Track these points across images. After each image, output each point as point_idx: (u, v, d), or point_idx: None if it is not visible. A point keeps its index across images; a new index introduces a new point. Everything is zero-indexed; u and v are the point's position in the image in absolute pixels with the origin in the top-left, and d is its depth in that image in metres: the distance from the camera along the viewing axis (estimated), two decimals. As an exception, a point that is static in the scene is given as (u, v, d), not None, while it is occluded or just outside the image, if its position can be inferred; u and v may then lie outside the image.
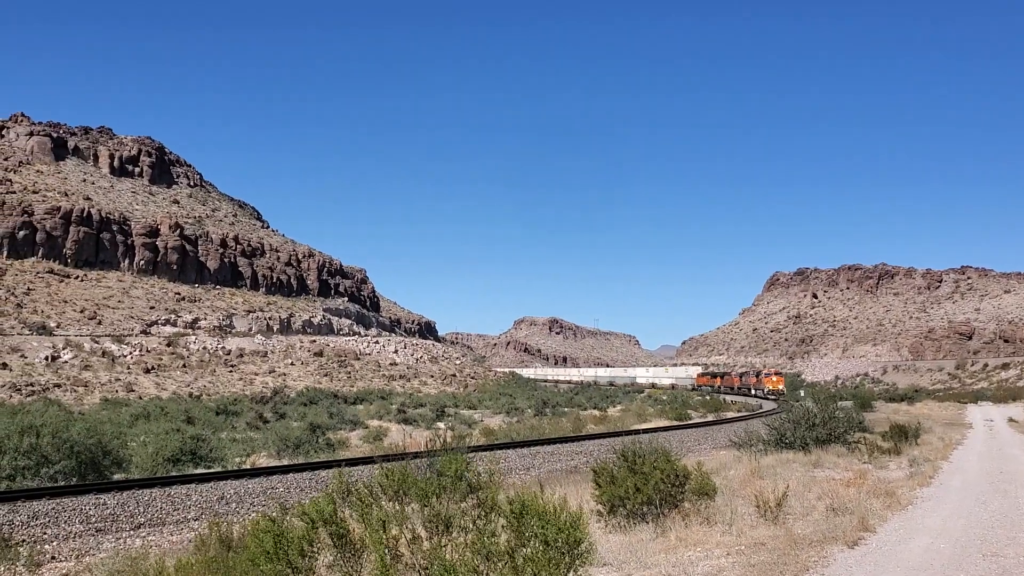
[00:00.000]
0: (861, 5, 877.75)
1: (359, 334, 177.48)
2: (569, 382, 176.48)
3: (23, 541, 17.81)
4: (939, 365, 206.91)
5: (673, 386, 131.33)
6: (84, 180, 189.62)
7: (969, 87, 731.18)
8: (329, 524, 9.65)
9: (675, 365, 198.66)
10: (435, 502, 9.90)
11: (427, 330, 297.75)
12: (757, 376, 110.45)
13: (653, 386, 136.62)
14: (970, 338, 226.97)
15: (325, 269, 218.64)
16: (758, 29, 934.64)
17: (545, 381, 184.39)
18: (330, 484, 11.72)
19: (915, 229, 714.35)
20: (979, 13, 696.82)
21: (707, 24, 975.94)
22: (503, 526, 8.72)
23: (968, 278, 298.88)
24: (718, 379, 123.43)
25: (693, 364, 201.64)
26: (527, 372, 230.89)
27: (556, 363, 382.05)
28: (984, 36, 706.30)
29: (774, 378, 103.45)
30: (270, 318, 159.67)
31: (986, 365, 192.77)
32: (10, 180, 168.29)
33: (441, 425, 51.96)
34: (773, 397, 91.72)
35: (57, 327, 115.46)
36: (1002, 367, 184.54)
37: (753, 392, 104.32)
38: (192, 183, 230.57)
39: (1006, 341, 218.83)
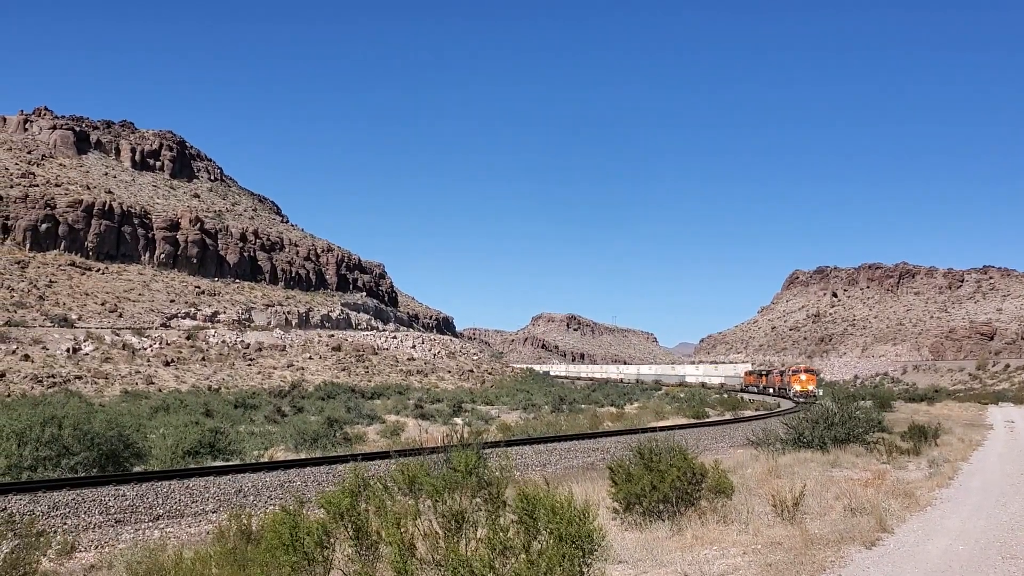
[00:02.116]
0: None
1: (377, 329, 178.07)
2: (607, 380, 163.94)
3: (43, 531, 17.99)
4: (960, 365, 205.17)
5: (723, 385, 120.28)
6: (106, 174, 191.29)
7: (993, 83, 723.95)
8: (347, 517, 9.70)
9: (724, 363, 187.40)
10: (448, 497, 9.92)
11: (445, 325, 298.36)
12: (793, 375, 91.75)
13: (703, 385, 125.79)
14: (991, 338, 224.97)
15: (344, 264, 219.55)
16: (778, 25, 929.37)
17: (579, 379, 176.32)
18: (347, 478, 11.74)
19: (937, 228, 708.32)
20: (1007, 7, 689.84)
21: (726, 20, 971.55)
22: (514, 521, 8.73)
23: (990, 278, 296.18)
24: (763, 378, 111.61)
25: (742, 362, 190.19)
26: (556, 369, 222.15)
27: (573, 359, 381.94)
28: (1010, 31, 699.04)
29: (803, 376, 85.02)
30: (289, 312, 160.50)
31: (1007, 366, 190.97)
32: (33, 173, 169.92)
33: (458, 421, 52.06)
34: (801, 400, 75.14)
35: (78, 319, 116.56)
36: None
37: (788, 393, 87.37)
38: (212, 177, 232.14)
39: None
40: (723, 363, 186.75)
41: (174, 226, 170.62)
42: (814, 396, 75.97)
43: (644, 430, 39.53)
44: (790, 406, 66.50)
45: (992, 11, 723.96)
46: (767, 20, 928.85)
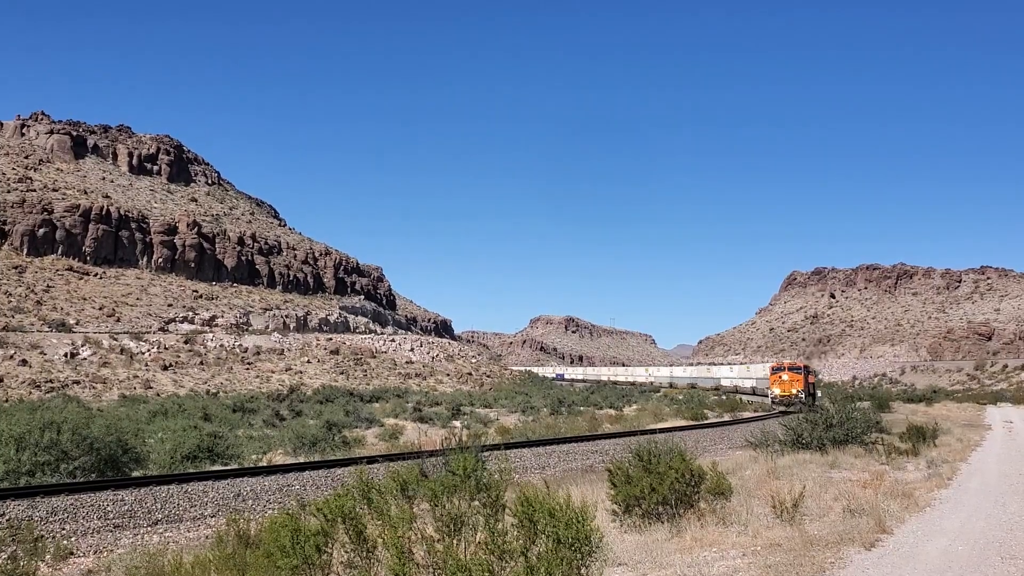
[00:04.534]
0: None
1: (375, 332, 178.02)
2: (633, 383, 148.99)
3: (42, 537, 17.98)
4: (958, 366, 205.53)
5: (754, 390, 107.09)
6: (103, 178, 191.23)
7: (992, 83, 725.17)
8: (347, 521, 9.70)
9: (755, 363, 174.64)
10: (445, 501, 9.92)
11: (443, 328, 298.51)
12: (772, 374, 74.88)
13: (736, 389, 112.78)
14: (989, 339, 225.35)
15: (341, 267, 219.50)
16: (778, 23, 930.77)
17: (598, 382, 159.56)
18: (348, 481, 11.74)
19: (934, 229, 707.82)
20: (1007, 7, 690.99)
21: (724, 20, 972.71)
22: (513, 524, 8.73)
23: (988, 278, 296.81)
24: None
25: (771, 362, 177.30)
26: (572, 372, 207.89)
27: (572, 362, 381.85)
28: (1010, 31, 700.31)
29: (785, 376, 67.60)
30: (287, 316, 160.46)
31: (1006, 366, 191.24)
32: (30, 178, 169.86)
33: (457, 423, 52.01)
34: (781, 407, 64.30)
35: (76, 324, 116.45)
36: (1022, 368, 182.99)
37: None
38: (210, 181, 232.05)
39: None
40: (756, 364, 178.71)
41: (171, 230, 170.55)
42: (800, 402, 62.79)
43: (643, 432, 39.53)
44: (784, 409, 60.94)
45: (992, 11, 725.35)
46: (765, 20, 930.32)
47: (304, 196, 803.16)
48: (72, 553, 17.68)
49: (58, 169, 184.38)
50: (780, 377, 67.70)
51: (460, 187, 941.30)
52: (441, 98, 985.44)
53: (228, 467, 27.68)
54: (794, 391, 65.29)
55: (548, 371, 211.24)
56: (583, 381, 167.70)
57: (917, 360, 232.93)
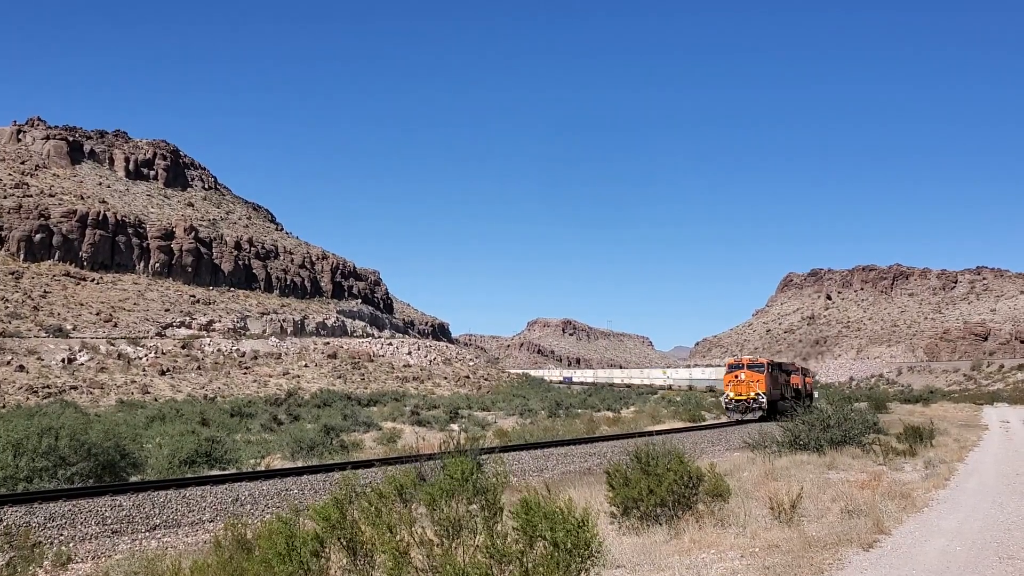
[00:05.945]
0: None
1: (373, 336, 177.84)
2: (651, 386, 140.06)
3: (40, 543, 17.94)
4: (954, 366, 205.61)
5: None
6: (100, 183, 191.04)
7: (988, 84, 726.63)
8: (338, 528, 9.69)
9: None
10: (443, 504, 9.92)
11: (440, 331, 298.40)
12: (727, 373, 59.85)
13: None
14: (986, 339, 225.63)
15: (339, 271, 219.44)
16: (775, 24, 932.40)
17: (610, 385, 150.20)
18: (341, 486, 11.75)
19: (930, 229, 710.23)
20: (1007, 7, 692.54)
21: (721, 21, 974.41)
22: (513, 527, 8.72)
23: (984, 279, 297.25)
24: None
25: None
26: (582, 374, 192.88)
27: (570, 364, 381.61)
28: (1009, 31, 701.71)
29: (742, 375, 52.48)
30: (284, 320, 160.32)
31: (1002, 366, 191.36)
32: (27, 184, 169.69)
33: (455, 427, 51.95)
34: (736, 413, 52.33)
35: (73, 329, 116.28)
36: (1018, 368, 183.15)
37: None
38: (207, 186, 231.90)
39: (1022, 342, 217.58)
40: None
41: (168, 235, 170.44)
42: (759, 408, 51.19)
43: (641, 434, 39.45)
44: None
45: (991, 11, 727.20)
46: (762, 20, 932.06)
47: (301, 200, 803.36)
48: (70, 559, 17.65)
49: (55, 174, 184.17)
50: (736, 376, 53.11)
51: (457, 189, 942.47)
52: (438, 100, 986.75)
53: (226, 472, 27.62)
54: (753, 394, 51.45)
55: (546, 373, 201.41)
56: (593, 384, 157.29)
57: (914, 361, 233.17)
